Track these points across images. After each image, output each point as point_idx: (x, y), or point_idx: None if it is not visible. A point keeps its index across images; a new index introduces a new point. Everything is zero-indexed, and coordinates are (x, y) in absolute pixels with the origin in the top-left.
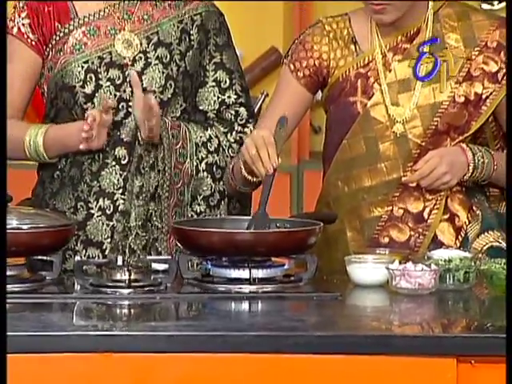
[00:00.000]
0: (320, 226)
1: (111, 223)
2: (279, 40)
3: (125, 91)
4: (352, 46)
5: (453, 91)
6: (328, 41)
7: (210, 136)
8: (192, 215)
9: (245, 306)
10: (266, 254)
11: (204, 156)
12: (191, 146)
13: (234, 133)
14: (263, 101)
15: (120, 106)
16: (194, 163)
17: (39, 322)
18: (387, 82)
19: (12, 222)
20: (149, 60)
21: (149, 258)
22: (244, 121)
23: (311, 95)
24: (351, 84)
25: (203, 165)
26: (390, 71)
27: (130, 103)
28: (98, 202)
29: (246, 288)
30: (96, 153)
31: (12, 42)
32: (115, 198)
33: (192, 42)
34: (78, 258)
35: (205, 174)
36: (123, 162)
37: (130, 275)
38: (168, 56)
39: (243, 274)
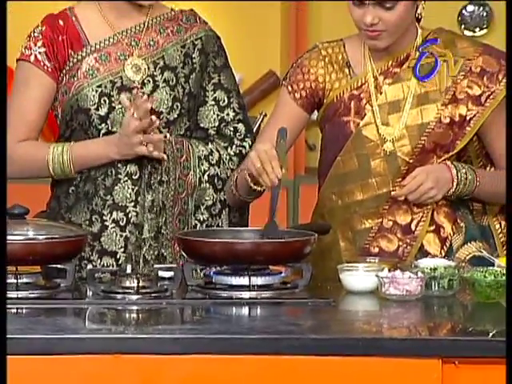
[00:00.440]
0: (315, 237)
1: (124, 234)
2: (277, 64)
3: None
4: (346, 70)
5: (439, 113)
6: (324, 64)
7: (211, 150)
8: (195, 223)
9: (245, 310)
10: (264, 262)
11: (206, 168)
12: (194, 159)
13: (233, 147)
14: (262, 120)
15: None
16: (197, 175)
17: (54, 326)
18: (378, 104)
19: (29, 233)
20: (157, 83)
21: (156, 266)
22: (242, 136)
23: (307, 115)
24: (345, 105)
25: (205, 176)
26: (381, 93)
27: None
28: (111, 215)
29: (246, 294)
30: (109, 169)
31: (29, 68)
32: (128, 211)
33: (194, 65)
34: (89, 266)
35: (207, 185)
36: (134, 178)
37: (138, 282)
38: (174, 79)
39: (243, 281)
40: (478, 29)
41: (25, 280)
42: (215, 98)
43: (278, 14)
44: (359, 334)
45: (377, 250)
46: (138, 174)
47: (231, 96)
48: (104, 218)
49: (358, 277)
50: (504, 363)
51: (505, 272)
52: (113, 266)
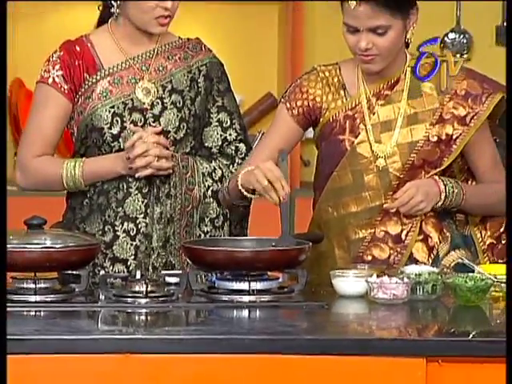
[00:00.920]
0: (309, 245)
1: (134, 243)
2: (274, 87)
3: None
4: (342, 91)
5: (427, 132)
6: (321, 86)
7: (214, 167)
8: (200, 234)
9: (245, 313)
10: (263, 269)
11: (210, 184)
12: (199, 175)
13: (235, 165)
14: (260, 138)
15: None
16: (202, 190)
17: (69, 327)
18: (371, 123)
19: (46, 242)
20: (165, 105)
21: (163, 272)
22: (243, 155)
23: (302, 131)
24: (340, 124)
25: (209, 191)
26: (373, 114)
27: None
28: (123, 225)
29: (246, 298)
30: (121, 183)
31: (48, 90)
32: (138, 222)
33: (200, 89)
34: (102, 272)
35: (211, 199)
36: (144, 191)
37: (147, 287)
38: (181, 101)
39: (243, 286)
40: (458, 54)
41: (42, 285)
42: (219, 119)
43: (276, 42)
44: (351, 335)
45: (370, 257)
46: (147, 188)
47: (233, 118)
48: (116, 228)
49: (349, 282)
50: (484, 361)
51: (484, 278)
52: (124, 273)
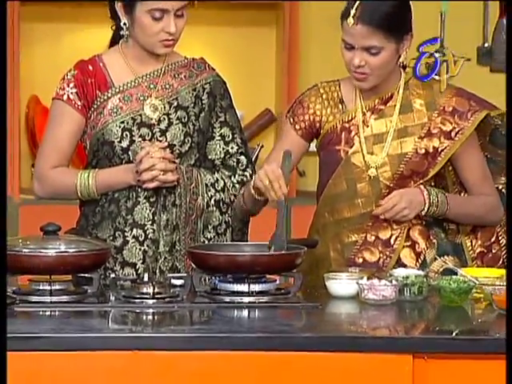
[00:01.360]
0: (304, 250)
1: (143, 248)
2: (272, 103)
3: None
4: (340, 106)
5: (416, 145)
6: (321, 101)
7: (217, 178)
8: (204, 241)
9: (245, 313)
10: (261, 272)
11: (213, 194)
12: (202, 186)
13: (236, 176)
14: (259, 151)
15: None
16: (205, 199)
17: (82, 326)
18: (365, 135)
19: (61, 247)
20: (171, 120)
21: (169, 275)
22: (244, 166)
23: (307, 143)
24: (337, 135)
25: (212, 201)
26: (367, 127)
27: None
28: (132, 232)
29: (246, 299)
30: (130, 193)
31: (63, 106)
32: (146, 229)
33: (204, 105)
34: (113, 275)
35: (214, 208)
36: (152, 200)
37: (154, 289)
38: (186, 117)
39: (243, 287)
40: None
41: (57, 287)
42: (221, 133)
43: (273, 62)
44: (343, 333)
45: (361, 260)
46: (154, 198)
47: (235, 132)
48: (125, 234)
49: (342, 284)
50: (466, 358)
51: (466, 280)
52: (132, 276)
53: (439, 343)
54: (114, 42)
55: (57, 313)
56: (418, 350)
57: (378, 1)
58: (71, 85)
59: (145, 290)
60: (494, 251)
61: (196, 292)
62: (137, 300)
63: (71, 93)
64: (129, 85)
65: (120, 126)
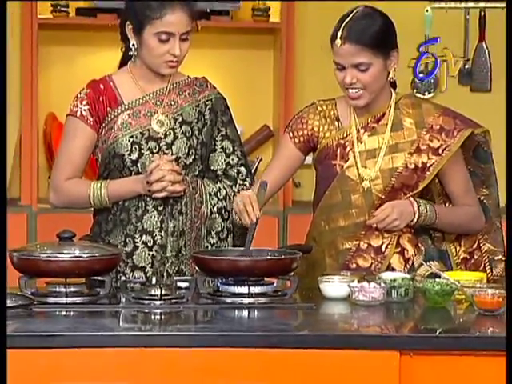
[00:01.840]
0: (299, 255)
1: (151, 253)
2: (269, 120)
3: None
4: (336, 123)
5: (406, 160)
6: (319, 118)
7: (219, 187)
8: (207, 246)
9: (245, 313)
10: (260, 275)
11: (215, 202)
12: (206, 195)
13: (237, 185)
14: (258, 163)
15: None
16: (208, 207)
17: (95, 325)
18: (359, 151)
19: (75, 252)
20: (176, 134)
21: (175, 278)
22: (244, 177)
23: (303, 156)
24: (333, 151)
25: (215, 209)
26: (361, 143)
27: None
28: (141, 238)
29: (246, 300)
30: (140, 202)
31: (76, 122)
32: (154, 235)
33: (206, 121)
34: (123, 278)
35: (216, 215)
36: (160, 209)
37: (161, 291)
38: (190, 131)
39: (244, 290)
40: (426, 92)
41: (72, 289)
42: (223, 146)
43: (271, 82)
44: (336, 331)
45: (354, 266)
46: (162, 206)
47: (235, 145)
48: (135, 240)
49: (334, 286)
50: (449, 354)
51: (449, 283)
52: (142, 278)
53: (424, 341)
54: (123, 63)
55: (72, 313)
56: (404, 347)
57: (362, 21)
58: (84, 102)
59: (153, 292)
60: (475, 257)
61: (200, 294)
62: (145, 301)
63: (84, 110)
64: (137, 102)
65: (129, 140)
